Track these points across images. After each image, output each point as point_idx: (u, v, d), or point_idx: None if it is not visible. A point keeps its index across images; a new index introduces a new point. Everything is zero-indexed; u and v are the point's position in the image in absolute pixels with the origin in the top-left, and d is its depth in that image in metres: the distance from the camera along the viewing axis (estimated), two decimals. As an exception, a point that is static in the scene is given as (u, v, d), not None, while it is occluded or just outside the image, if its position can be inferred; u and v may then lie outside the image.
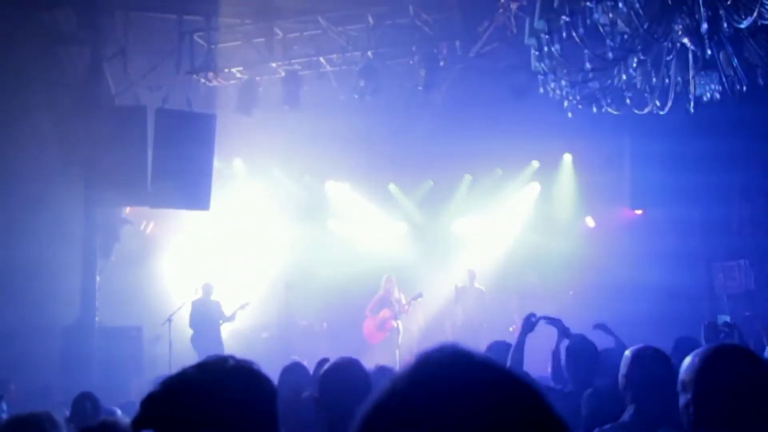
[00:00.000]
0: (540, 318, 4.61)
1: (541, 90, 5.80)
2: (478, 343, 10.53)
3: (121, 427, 2.25)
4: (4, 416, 4.59)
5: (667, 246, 11.38)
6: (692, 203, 10.45)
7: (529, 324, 4.69)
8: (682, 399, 2.10)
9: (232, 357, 1.65)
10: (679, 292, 10.55)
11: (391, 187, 13.33)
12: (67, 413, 4.21)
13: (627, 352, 2.79)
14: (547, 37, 4.98)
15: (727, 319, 9.85)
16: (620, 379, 2.73)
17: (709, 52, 4.67)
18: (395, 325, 11.40)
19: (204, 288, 10.48)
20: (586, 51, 5.01)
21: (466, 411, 0.72)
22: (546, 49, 5.08)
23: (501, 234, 12.92)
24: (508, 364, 4.36)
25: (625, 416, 2.69)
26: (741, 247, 10.19)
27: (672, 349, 4.31)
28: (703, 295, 10.55)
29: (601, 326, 5.16)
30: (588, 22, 4.61)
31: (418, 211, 13.42)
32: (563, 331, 4.60)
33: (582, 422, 3.03)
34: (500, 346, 4.98)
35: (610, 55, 4.96)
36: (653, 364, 2.72)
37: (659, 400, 2.57)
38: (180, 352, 9.21)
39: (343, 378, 2.54)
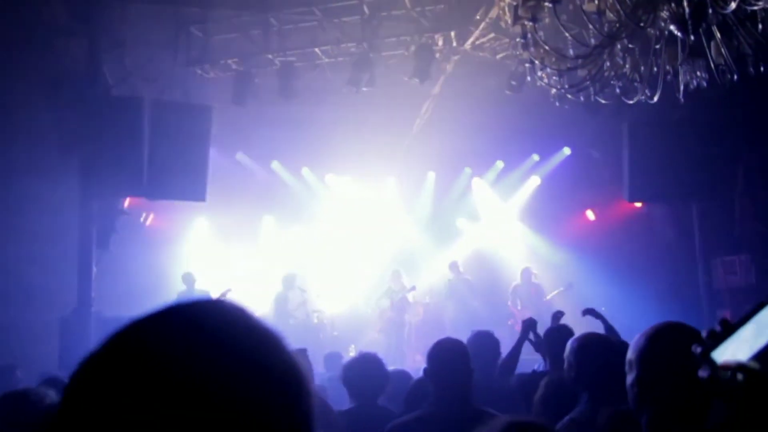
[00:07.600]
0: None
1: (529, 79, 5.75)
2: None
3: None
4: (21, 385, 4.65)
5: (666, 240, 11.31)
6: (691, 196, 10.35)
7: (528, 329, 4.79)
8: (629, 378, 2.07)
9: None
10: (678, 286, 10.47)
11: (390, 180, 13.30)
12: None
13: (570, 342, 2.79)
14: (530, 24, 4.95)
15: (726, 314, 9.77)
16: (566, 367, 2.72)
17: (692, 38, 4.61)
18: (403, 318, 11.43)
19: (185, 278, 10.61)
20: (569, 38, 4.96)
21: (200, 354, 0.70)
22: (530, 36, 5.04)
23: (499, 227, 12.89)
24: (501, 362, 4.50)
25: (581, 404, 2.66)
26: (741, 241, 10.08)
27: None
28: (701, 290, 10.46)
29: (590, 311, 5.11)
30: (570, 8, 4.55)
31: (418, 205, 13.38)
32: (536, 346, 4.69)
33: (533, 406, 3.01)
34: (483, 336, 5.00)
35: (593, 41, 4.90)
36: (599, 351, 2.70)
37: (609, 386, 2.55)
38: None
39: None
